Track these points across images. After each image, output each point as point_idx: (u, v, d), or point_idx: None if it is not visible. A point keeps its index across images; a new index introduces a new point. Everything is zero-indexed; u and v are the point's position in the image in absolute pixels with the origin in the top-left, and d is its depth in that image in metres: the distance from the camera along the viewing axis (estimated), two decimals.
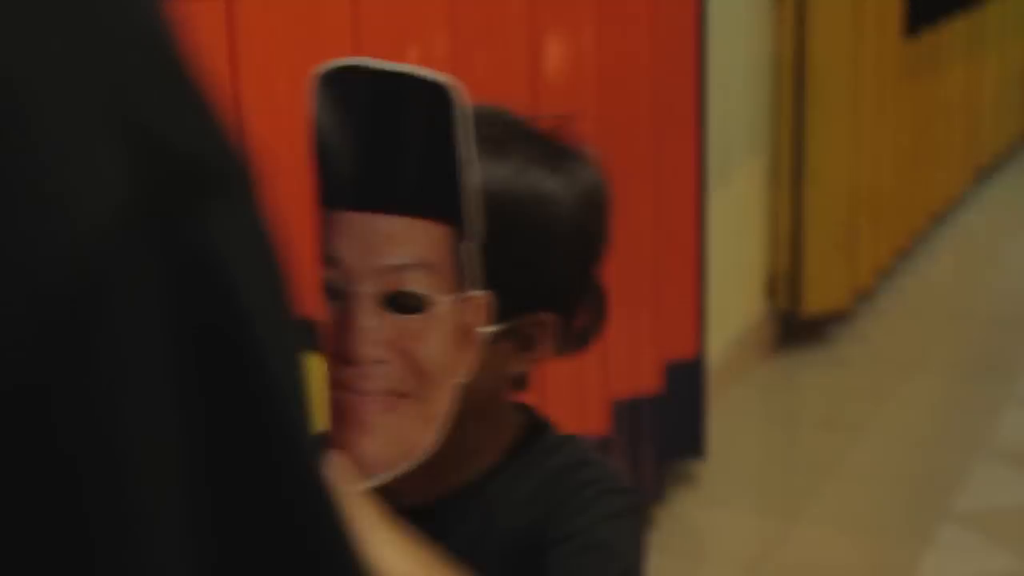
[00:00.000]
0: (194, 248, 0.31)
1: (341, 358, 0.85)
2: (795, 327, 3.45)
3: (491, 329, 0.87)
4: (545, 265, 0.89)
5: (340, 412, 0.86)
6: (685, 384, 2.65)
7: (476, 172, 0.82)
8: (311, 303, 0.87)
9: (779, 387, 3.30)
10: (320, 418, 0.85)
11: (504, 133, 0.89)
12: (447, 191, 0.82)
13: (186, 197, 0.31)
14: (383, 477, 0.85)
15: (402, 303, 0.85)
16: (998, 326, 3.64)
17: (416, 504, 0.90)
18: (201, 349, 0.31)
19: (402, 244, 0.84)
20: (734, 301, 3.19)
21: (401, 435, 0.85)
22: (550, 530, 0.88)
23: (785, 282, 3.42)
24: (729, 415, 3.01)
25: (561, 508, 0.89)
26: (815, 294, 3.41)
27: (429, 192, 0.83)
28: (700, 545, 2.63)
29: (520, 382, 0.95)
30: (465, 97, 0.81)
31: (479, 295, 0.86)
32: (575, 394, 2.31)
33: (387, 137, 0.83)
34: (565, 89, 2.19)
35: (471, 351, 0.86)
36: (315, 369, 0.86)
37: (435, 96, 0.81)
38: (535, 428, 0.96)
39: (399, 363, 0.85)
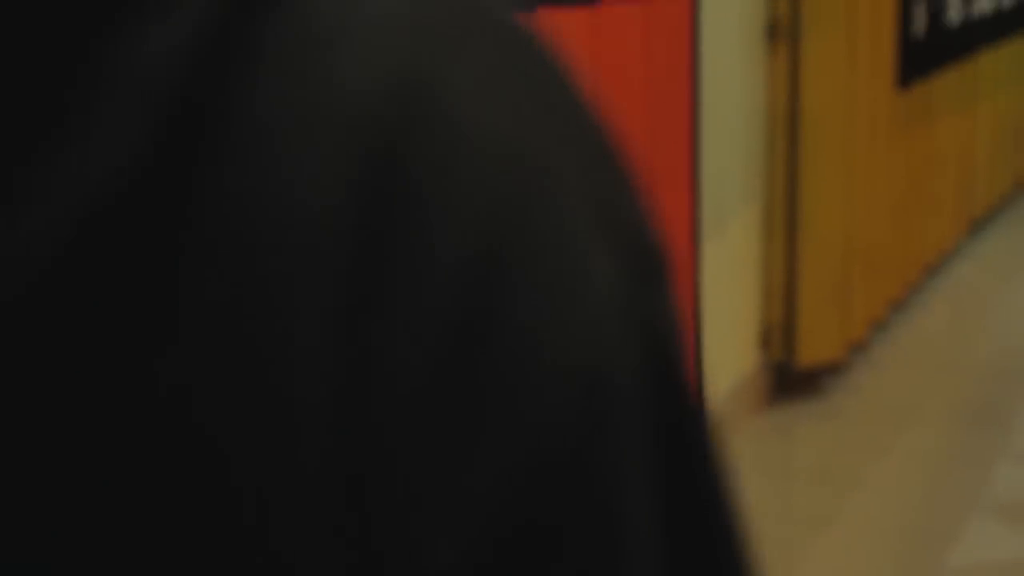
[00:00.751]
0: (659, 342, 0.30)
1: None
2: (789, 379, 3.44)
3: None
4: None
5: None
6: None
7: None
8: None
9: (773, 439, 3.29)
10: None
11: None
12: None
13: (652, 291, 0.30)
14: None
15: None
16: (992, 378, 3.63)
17: None
18: (668, 451, 0.29)
19: None
20: (728, 352, 3.18)
21: None
22: None
23: (779, 333, 3.41)
24: None
25: None
26: (809, 345, 3.40)
27: None
28: None
29: None
30: None
31: None
32: None
33: None
34: None
35: None
36: None
37: None
38: None
39: None
